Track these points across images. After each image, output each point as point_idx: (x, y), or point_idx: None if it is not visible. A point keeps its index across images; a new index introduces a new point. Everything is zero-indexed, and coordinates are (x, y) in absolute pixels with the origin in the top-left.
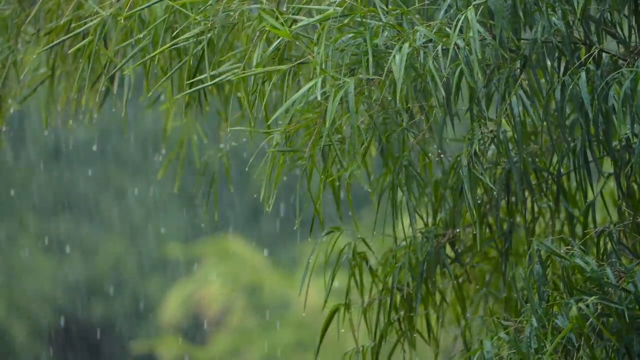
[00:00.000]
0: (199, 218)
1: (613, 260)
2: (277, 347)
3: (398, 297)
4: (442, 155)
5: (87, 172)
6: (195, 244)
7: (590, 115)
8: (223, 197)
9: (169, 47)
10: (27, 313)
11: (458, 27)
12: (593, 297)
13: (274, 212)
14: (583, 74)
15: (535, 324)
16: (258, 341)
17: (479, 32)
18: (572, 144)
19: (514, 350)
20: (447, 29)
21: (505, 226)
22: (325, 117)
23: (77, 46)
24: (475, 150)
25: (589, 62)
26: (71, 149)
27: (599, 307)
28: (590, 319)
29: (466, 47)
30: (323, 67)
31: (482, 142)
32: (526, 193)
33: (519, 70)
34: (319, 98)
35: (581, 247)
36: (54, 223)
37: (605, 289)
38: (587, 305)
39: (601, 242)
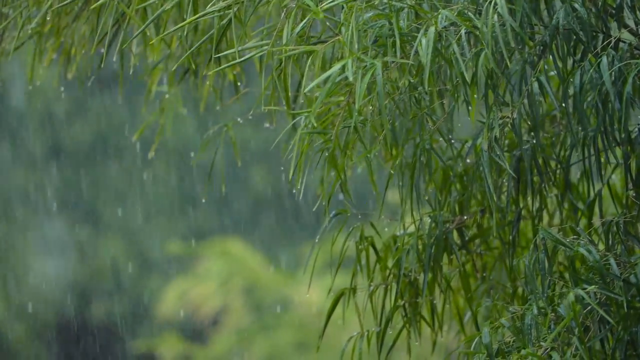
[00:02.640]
0: (200, 219)
1: (615, 251)
2: (277, 348)
3: (404, 283)
4: (452, 141)
5: (85, 170)
6: (195, 244)
7: (612, 98)
8: (223, 199)
9: (200, 17)
10: (27, 313)
11: (491, 10)
12: (593, 286)
13: (273, 213)
14: (604, 58)
15: (535, 312)
16: (258, 341)
17: (500, 16)
18: (583, 133)
19: (517, 338)
20: (468, 13)
21: (511, 215)
22: (349, 100)
23: (99, 3)
24: (495, 136)
25: (607, 49)
26: (70, 147)
27: (600, 296)
28: (590, 307)
29: (489, 31)
30: (352, 48)
31: (502, 127)
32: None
33: (536, 57)
34: (350, 78)
35: (588, 237)
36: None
37: (607, 279)
38: (588, 294)
39: (609, 233)
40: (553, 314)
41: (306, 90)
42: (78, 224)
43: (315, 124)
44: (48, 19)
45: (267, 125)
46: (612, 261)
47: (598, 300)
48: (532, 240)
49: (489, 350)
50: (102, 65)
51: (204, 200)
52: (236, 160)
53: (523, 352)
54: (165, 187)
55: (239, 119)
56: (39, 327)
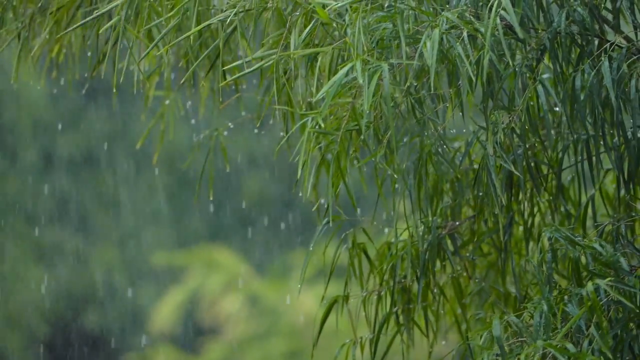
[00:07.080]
0: (190, 227)
1: (623, 250)
2: (270, 357)
3: (397, 290)
4: (445, 147)
5: (77, 180)
6: (187, 253)
7: (613, 98)
8: (213, 207)
9: (206, 25)
10: (20, 323)
11: (493, 12)
12: (608, 279)
13: (262, 222)
14: (606, 61)
15: (545, 309)
16: (251, 351)
17: (501, 18)
18: (576, 136)
19: (526, 334)
20: (468, 16)
21: (502, 221)
22: (354, 103)
23: (106, 26)
24: (497, 140)
25: (606, 53)
26: (63, 157)
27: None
28: (605, 300)
29: (491, 33)
30: (358, 49)
31: (505, 131)
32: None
33: (535, 60)
34: (360, 80)
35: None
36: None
37: (620, 275)
38: (598, 288)
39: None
40: (559, 313)
41: (317, 97)
42: (71, 233)
43: (322, 125)
44: (47, 36)
45: (256, 130)
46: (622, 259)
47: (609, 296)
48: (523, 249)
49: (500, 342)
50: (95, 75)
51: (195, 202)
52: (226, 166)
53: (539, 342)
54: (156, 195)
55: (229, 124)
56: (32, 337)
